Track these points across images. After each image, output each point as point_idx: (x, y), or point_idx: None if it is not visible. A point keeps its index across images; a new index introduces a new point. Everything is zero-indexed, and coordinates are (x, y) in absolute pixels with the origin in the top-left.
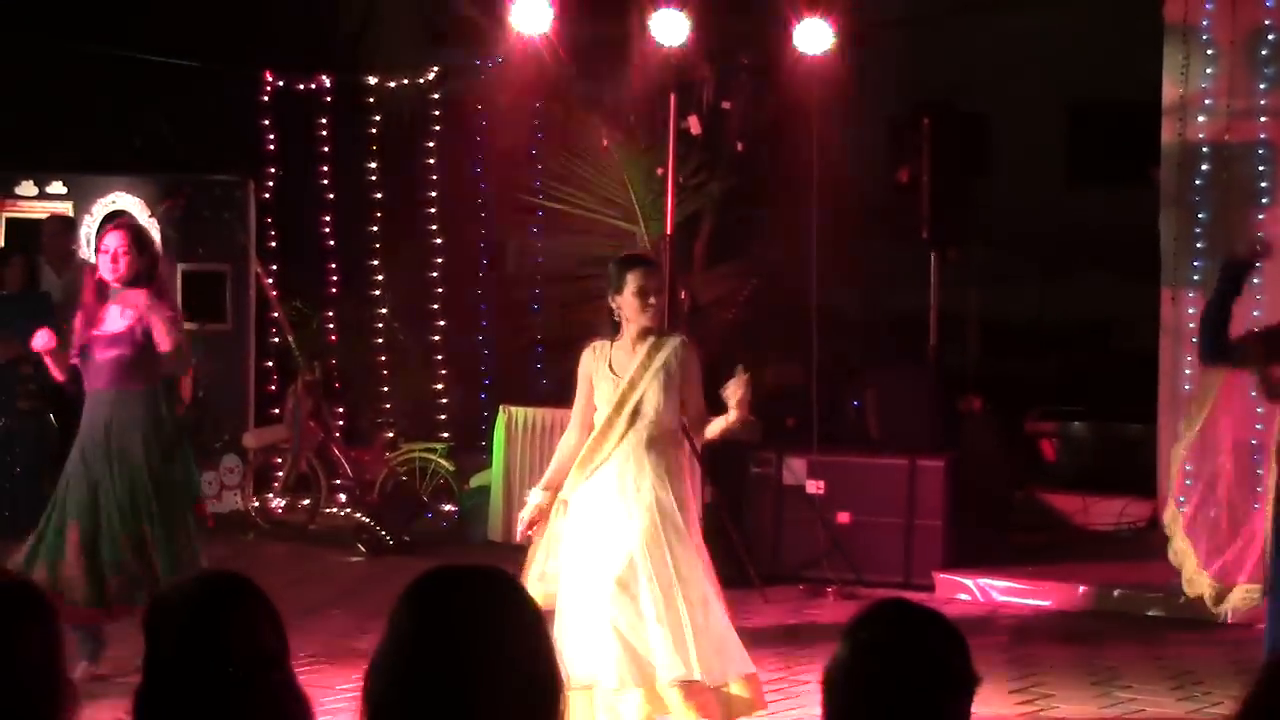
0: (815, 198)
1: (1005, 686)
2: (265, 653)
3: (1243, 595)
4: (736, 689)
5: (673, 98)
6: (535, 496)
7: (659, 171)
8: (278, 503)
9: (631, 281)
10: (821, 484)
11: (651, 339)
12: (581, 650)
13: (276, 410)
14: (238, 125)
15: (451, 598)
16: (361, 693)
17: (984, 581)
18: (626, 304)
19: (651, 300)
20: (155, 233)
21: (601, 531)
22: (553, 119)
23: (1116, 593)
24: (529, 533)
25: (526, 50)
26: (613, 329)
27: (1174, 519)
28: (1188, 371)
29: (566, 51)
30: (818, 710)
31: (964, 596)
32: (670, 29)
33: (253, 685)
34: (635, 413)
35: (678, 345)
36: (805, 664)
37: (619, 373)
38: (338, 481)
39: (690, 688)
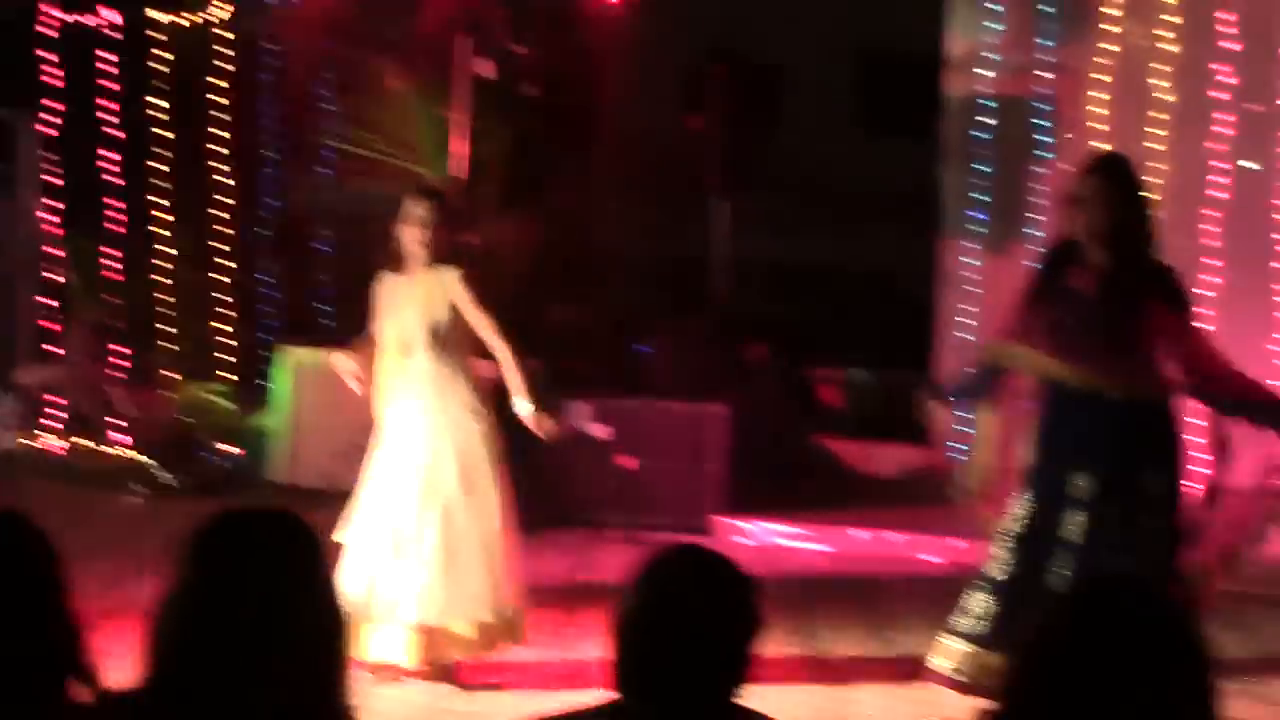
0: (606, 142)
1: (784, 628)
2: (39, 582)
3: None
4: (504, 618)
5: (464, 40)
6: (342, 361)
7: (450, 115)
8: (56, 443)
9: (409, 211)
10: (606, 428)
11: (434, 272)
12: (366, 584)
13: (57, 348)
14: (18, 59)
15: (238, 541)
16: (148, 637)
17: (765, 527)
18: (404, 234)
19: (425, 231)
20: None
21: (393, 467)
22: (344, 59)
23: (892, 537)
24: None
25: None
26: (401, 260)
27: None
28: (965, 321)
29: None
30: (601, 652)
31: (745, 541)
32: None
33: (23, 614)
34: (413, 344)
35: (452, 277)
36: (588, 607)
37: (403, 304)
38: (117, 421)
39: (458, 627)
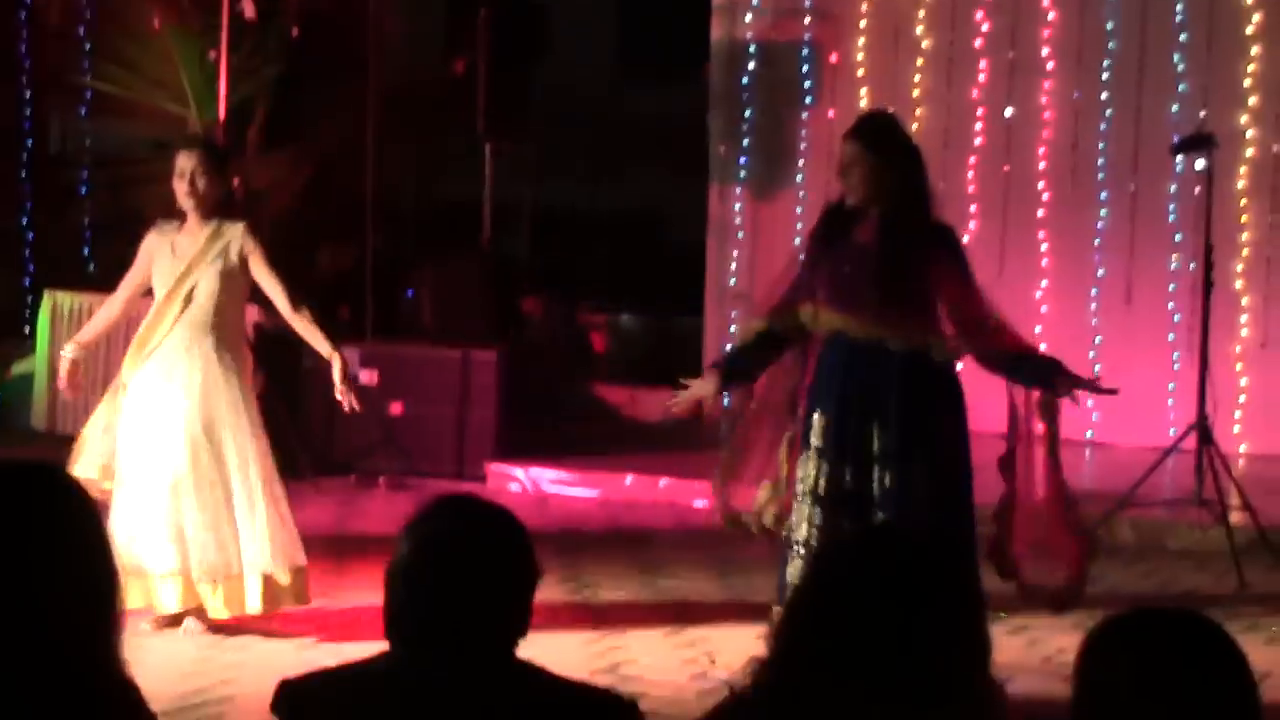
0: (371, 85)
1: (555, 575)
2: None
3: (769, 514)
4: (283, 578)
5: None
6: (68, 351)
7: (211, 55)
8: None
9: (176, 164)
10: (374, 374)
11: (214, 225)
12: (133, 535)
13: None
14: None
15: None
16: None
17: (535, 472)
18: (175, 187)
19: (192, 182)
20: None
21: (157, 418)
22: None
23: (662, 483)
24: (67, 387)
25: None
26: (175, 211)
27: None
28: (733, 266)
29: None
30: (369, 602)
31: (515, 487)
32: None
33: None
34: (189, 298)
35: (239, 232)
36: (356, 556)
37: (179, 256)
38: None
39: (227, 579)
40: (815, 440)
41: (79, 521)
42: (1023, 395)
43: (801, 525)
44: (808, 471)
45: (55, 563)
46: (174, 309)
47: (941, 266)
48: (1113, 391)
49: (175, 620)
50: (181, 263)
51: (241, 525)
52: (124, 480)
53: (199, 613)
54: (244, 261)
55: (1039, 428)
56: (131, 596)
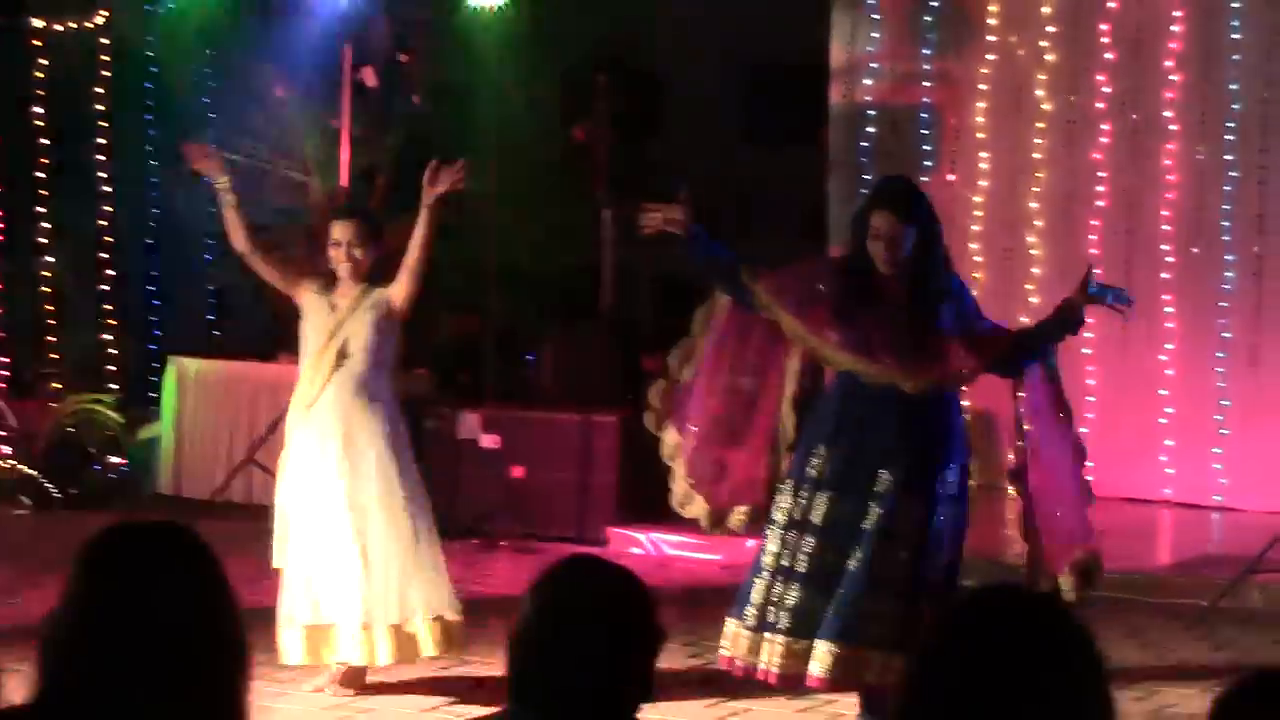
0: (492, 153)
1: (677, 639)
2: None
3: (738, 518)
4: (455, 617)
5: (348, 48)
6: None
7: (333, 123)
8: None
9: (331, 233)
10: (496, 438)
11: (365, 285)
12: (309, 592)
13: None
14: None
15: (130, 555)
16: (37, 654)
17: (656, 536)
18: (331, 254)
19: (349, 252)
20: None
21: (318, 476)
22: (226, 67)
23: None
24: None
25: None
26: (327, 276)
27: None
28: None
29: None
30: (492, 665)
31: (636, 551)
32: None
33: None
34: (343, 353)
35: (385, 294)
36: (481, 619)
37: (334, 311)
38: (1, 433)
39: (398, 631)
40: (812, 472)
41: (206, 578)
42: (1027, 403)
43: (772, 551)
44: (792, 502)
45: (183, 617)
46: (328, 363)
47: (955, 315)
48: (1127, 302)
49: (354, 677)
50: (336, 317)
51: (412, 574)
52: (296, 539)
53: (350, 673)
54: (393, 317)
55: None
56: (305, 652)
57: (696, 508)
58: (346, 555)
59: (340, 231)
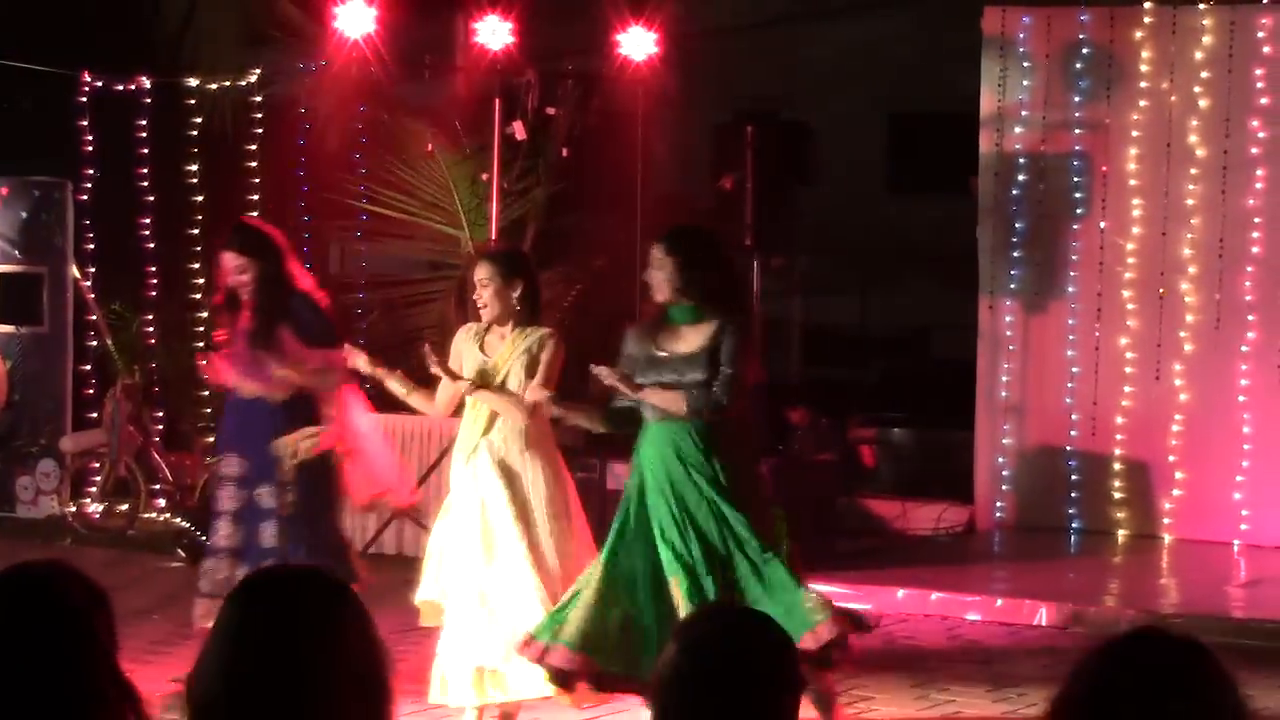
0: (639, 204)
1: None
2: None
3: None
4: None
5: (497, 103)
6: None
7: (483, 177)
8: (95, 508)
9: (474, 275)
10: None
11: (520, 326)
12: (480, 632)
13: (95, 414)
14: (55, 126)
15: (277, 599)
16: (186, 696)
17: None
18: (474, 298)
19: (484, 291)
20: None
21: (481, 516)
22: (376, 123)
23: (934, 597)
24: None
25: (350, 53)
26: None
27: None
28: (1004, 379)
29: (390, 55)
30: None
31: None
32: (494, 34)
33: (83, 674)
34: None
35: (545, 334)
36: None
37: (488, 353)
38: (157, 486)
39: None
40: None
41: (355, 627)
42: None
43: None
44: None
45: (329, 660)
46: (485, 405)
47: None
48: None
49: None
50: (490, 359)
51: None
52: (459, 584)
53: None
54: (539, 362)
55: None
56: (473, 693)
57: None
58: (524, 593)
59: (478, 271)
